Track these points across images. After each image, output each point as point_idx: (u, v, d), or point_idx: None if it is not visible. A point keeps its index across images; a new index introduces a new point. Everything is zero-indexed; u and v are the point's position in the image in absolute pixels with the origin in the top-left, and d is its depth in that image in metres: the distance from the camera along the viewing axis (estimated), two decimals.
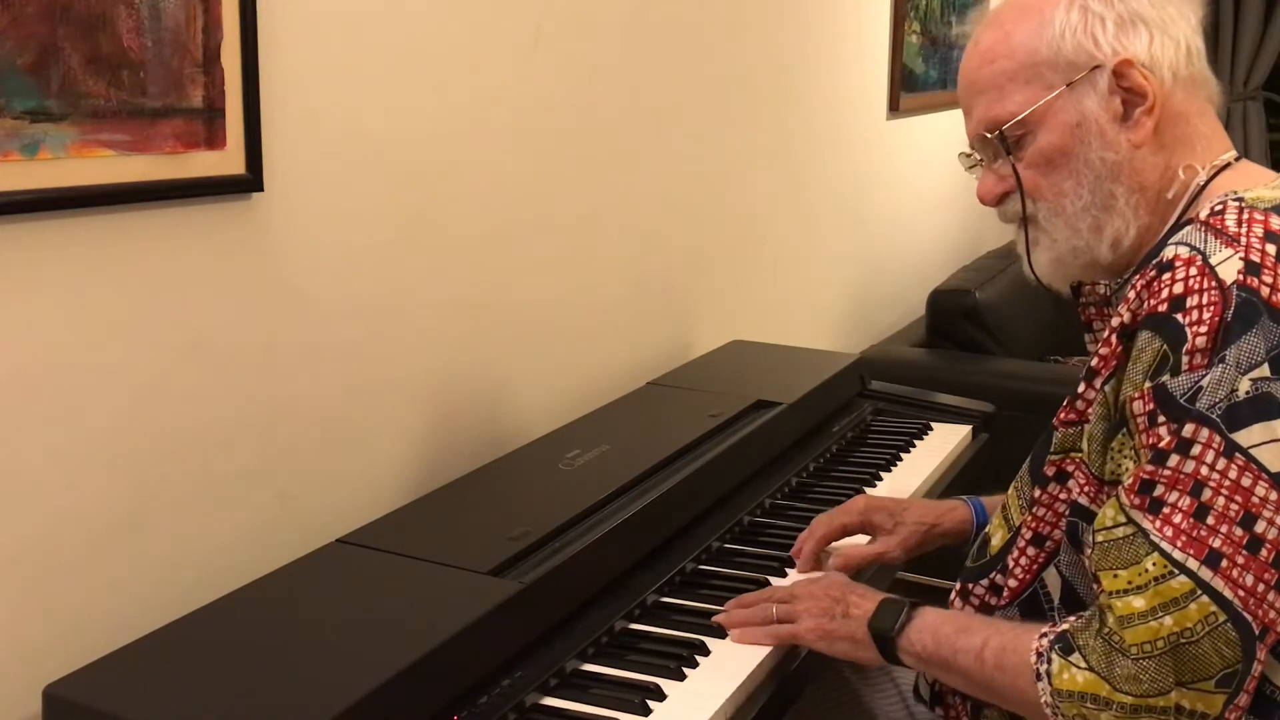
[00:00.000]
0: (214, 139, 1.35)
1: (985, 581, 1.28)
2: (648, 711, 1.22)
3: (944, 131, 3.77)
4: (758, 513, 1.72)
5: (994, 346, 3.15)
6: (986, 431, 2.18)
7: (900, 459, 1.97)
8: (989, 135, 1.25)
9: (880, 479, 1.89)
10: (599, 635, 1.35)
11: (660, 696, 1.25)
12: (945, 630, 1.22)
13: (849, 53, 3.10)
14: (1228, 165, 1.22)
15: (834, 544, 1.56)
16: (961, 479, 2.01)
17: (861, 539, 1.57)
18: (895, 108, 3.40)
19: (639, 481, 1.61)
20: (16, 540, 1.23)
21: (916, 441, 2.06)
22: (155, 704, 1.09)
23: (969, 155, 1.33)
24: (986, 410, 2.21)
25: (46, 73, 1.18)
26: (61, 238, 1.23)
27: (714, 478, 1.71)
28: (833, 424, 2.07)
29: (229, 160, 1.37)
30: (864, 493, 1.82)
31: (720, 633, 1.37)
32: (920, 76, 3.54)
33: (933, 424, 2.15)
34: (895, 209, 3.54)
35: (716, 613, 1.41)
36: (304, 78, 1.46)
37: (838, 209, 3.13)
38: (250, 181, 1.40)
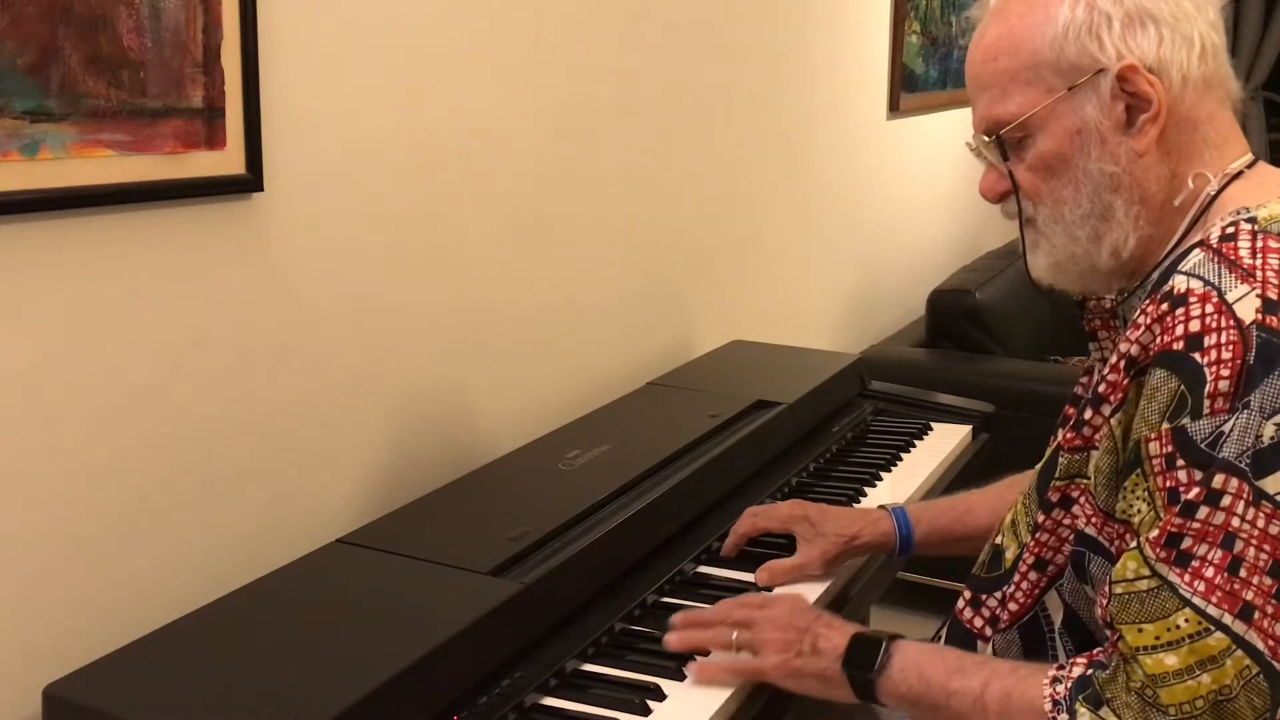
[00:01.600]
0: (214, 139, 1.35)
1: (999, 594, 1.25)
2: (648, 711, 1.22)
3: (944, 131, 3.76)
4: None
5: (994, 346, 3.15)
6: (986, 431, 2.18)
7: (900, 459, 1.97)
8: (988, 138, 1.22)
9: (880, 479, 1.89)
10: (599, 635, 1.35)
11: (660, 696, 1.25)
12: (933, 670, 1.17)
13: (849, 53, 3.10)
14: (1240, 173, 1.17)
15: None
16: (961, 479, 2.01)
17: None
18: (895, 108, 3.40)
19: (639, 481, 1.61)
20: (16, 540, 1.23)
21: (916, 441, 2.06)
22: (155, 704, 1.09)
23: (975, 147, 1.29)
24: (986, 410, 2.21)
25: (46, 73, 1.18)
26: (61, 238, 1.23)
27: (714, 478, 1.71)
28: (833, 424, 2.07)
29: (229, 160, 1.37)
30: (864, 493, 1.82)
31: (681, 660, 1.31)
32: (920, 76, 3.54)
33: (933, 424, 2.15)
34: (895, 209, 3.54)
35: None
36: (304, 78, 1.46)
37: (838, 209, 3.13)
38: (250, 181, 1.40)
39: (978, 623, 1.27)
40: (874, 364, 2.53)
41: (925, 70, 3.57)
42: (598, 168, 2.06)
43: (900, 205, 3.57)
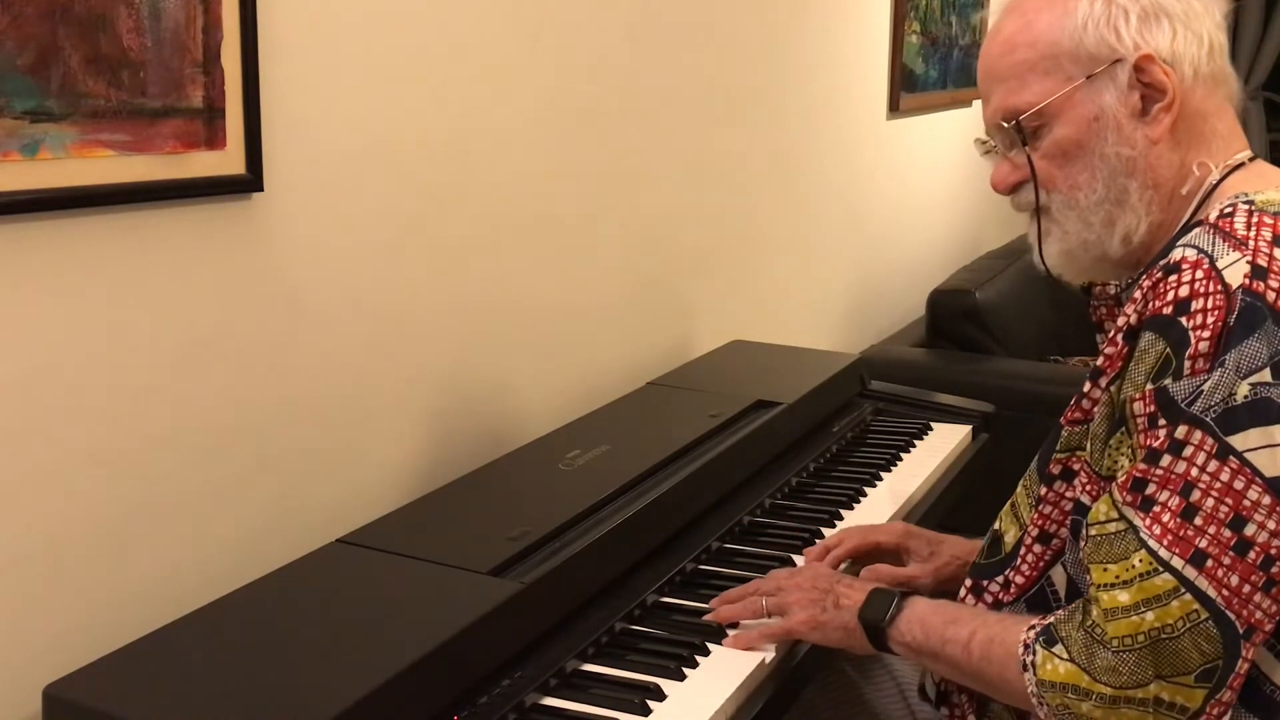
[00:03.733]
0: (214, 139, 1.35)
1: (1000, 579, 1.28)
2: (648, 711, 1.22)
3: (944, 131, 3.76)
4: (758, 513, 1.72)
5: (994, 346, 3.15)
6: (986, 431, 2.18)
7: (900, 459, 1.97)
8: (1006, 124, 1.25)
9: (880, 479, 1.89)
10: (599, 635, 1.35)
11: (660, 696, 1.25)
12: (934, 621, 1.23)
13: (849, 53, 3.10)
14: (1241, 165, 1.22)
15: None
16: (961, 479, 2.01)
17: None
18: (895, 108, 3.40)
19: (639, 481, 1.61)
20: (17, 541, 1.23)
21: (916, 441, 2.06)
22: (155, 704, 1.09)
23: (984, 142, 1.33)
24: (986, 410, 2.21)
25: (46, 73, 1.18)
26: (61, 238, 1.23)
27: (714, 478, 1.71)
28: (833, 424, 2.07)
29: (229, 160, 1.37)
30: (864, 493, 1.82)
31: (720, 633, 1.37)
32: (920, 76, 3.54)
33: (933, 424, 2.15)
34: (895, 209, 3.54)
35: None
36: (304, 78, 1.46)
37: (838, 209, 3.13)
38: (250, 181, 1.40)
39: (967, 604, 1.29)
40: (874, 364, 2.53)
41: (925, 70, 3.57)
42: (597, 168, 2.06)
43: (900, 205, 3.57)
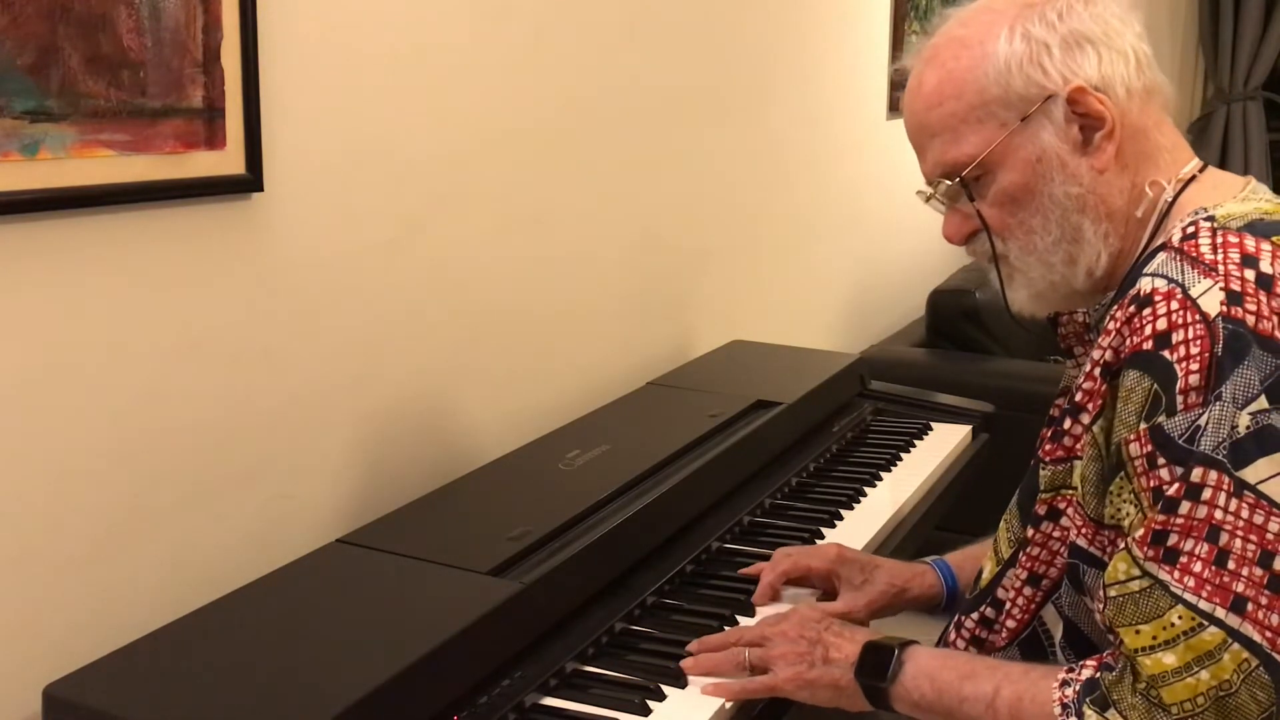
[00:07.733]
0: (214, 139, 1.35)
1: (975, 615, 1.25)
2: (647, 711, 1.22)
3: None
4: (758, 513, 1.72)
5: (994, 346, 3.15)
6: (986, 431, 2.18)
7: (900, 459, 1.97)
8: (949, 181, 1.22)
9: (880, 479, 1.89)
10: (599, 635, 1.35)
11: (660, 696, 1.25)
12: (946, 677, 1.17)
13: (848, 53, 3.10)
14: (1194, 178, 1.19)
15: (793, 589, 1.49)
16: (961, 479, 2.01)
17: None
18: (895, 108, 3.40)
19: (639, 481, 1.61)
20: (16, 541, 1.23)
21: (916, 441, 2.06)
22: (155, 704, 1.09)
23: (926, 193, 1.30)
24: (986, 410, 2.21)
25: (46, 73, 1.18)
26: (61, 238, 1.23)
27: (714, 478, 1.71)
28: (833, 424, 2.07)
29: (229, 160, 1.37)
30: (864, 493, 1.82)
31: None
32: None
33: (932, 424, 2.15)
34: (895, 209, 3.53)
35: (716, 613, 1.41)
36: (304, 78, 1.46)
37: (837, 209, 3.13)
38: (250, 181, 1.40)
39: (960, 644, 1.27)
40: (874, 364, 2.53)
41: None
42: (597, 168, 2.06)
43: (900, 205, 3.55)
